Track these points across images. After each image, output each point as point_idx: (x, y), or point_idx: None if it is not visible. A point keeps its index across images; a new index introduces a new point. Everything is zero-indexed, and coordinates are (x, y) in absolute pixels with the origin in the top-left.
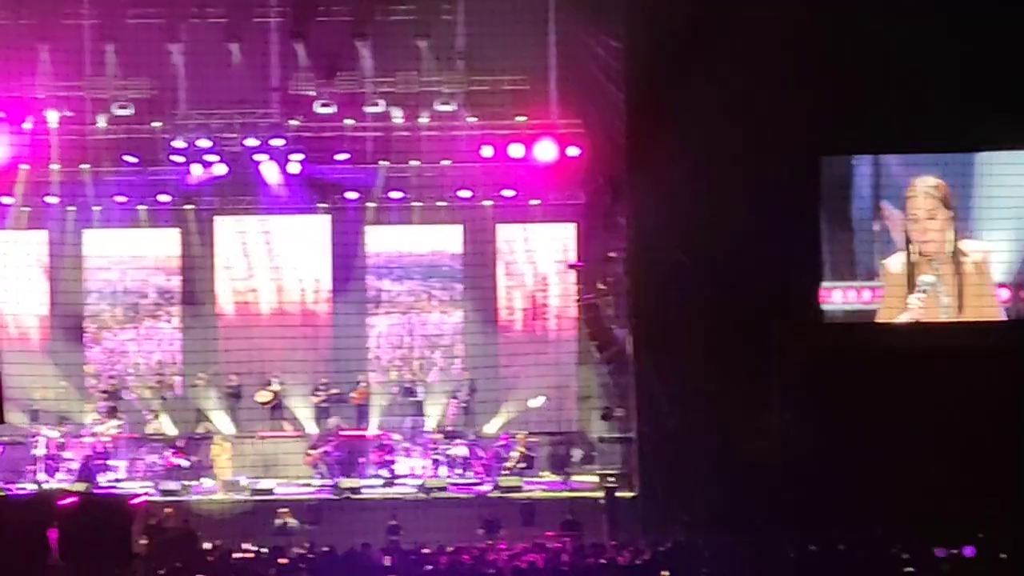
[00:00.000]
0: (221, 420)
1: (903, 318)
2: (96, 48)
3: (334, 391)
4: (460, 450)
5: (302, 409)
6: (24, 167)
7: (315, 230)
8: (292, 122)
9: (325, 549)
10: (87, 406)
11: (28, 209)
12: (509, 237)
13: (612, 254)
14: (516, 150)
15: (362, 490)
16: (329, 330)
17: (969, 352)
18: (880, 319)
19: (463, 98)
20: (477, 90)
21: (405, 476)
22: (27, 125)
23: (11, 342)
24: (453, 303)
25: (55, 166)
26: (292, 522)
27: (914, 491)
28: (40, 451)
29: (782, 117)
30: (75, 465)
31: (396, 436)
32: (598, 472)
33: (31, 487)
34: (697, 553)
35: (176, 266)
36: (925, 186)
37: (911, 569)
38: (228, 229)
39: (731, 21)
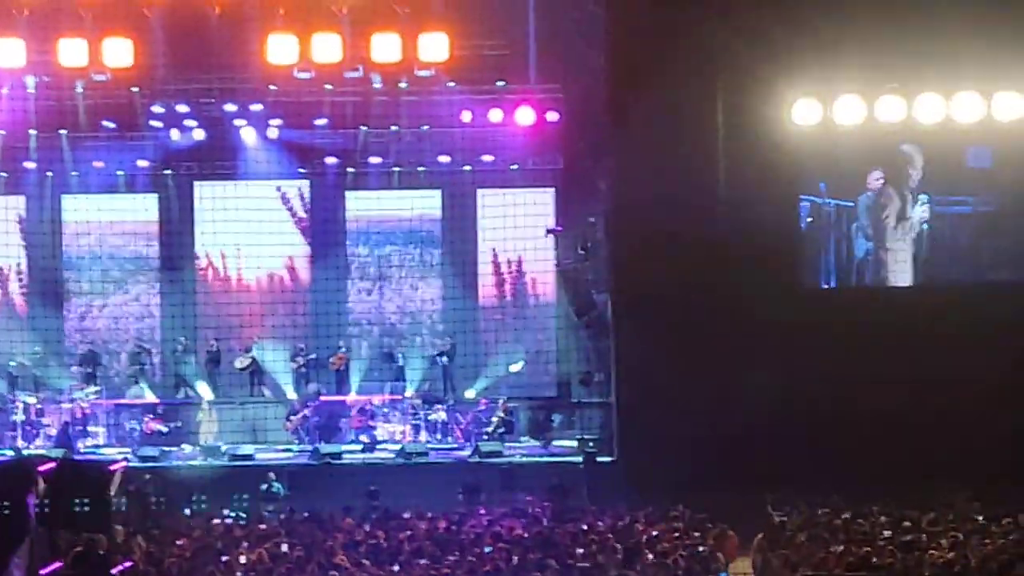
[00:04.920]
0: (200, 386)
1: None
2: (74, 13)
3: (313, 356)
4: (440, 415)
5: (281, 375)
6: (1, 132)
7: (294, 195)
8: (271, 87)
9: (305, 514)
10: (65, 372)
11: (5, 174)
12: (488, 202)
13: (591, 218)
14: (495, 115)
15: (342, 455)
16: (308, 295)
17: (951, 317)
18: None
19: (442, 63)
20: (457, 55)
21: (385, 441)
22: (4, 90)
23: None
24: (432, 268)
25: (33, 131)
26: (278, 486)
27: (893, 456)
28: (18, 417)
29: (763, 84)
30: (53, 431)
31: (376, 401)
32: (577, 437)
33: (9, 452)
34: (675, 517)
35: (155, 231)
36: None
37: (888, 532)
38: (207, 194)
39: None
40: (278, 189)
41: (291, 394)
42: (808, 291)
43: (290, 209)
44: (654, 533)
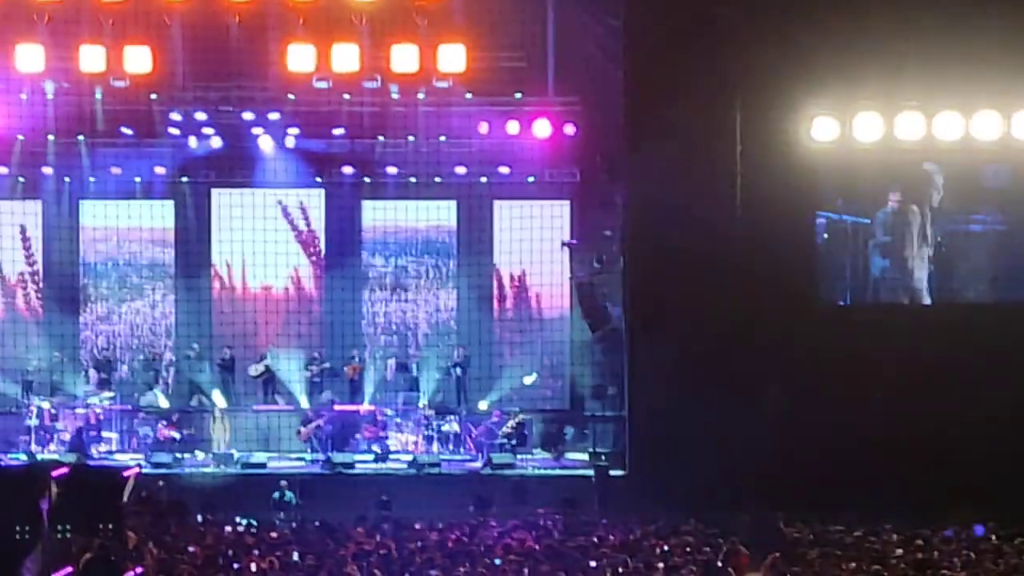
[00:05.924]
0: (214, 393)
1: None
2: (94, 20)
3: (327, 365)
4: (452, 426)
5: (295, 383)
6: (20, 137)
7: (310, 204)
8: (289, 96)
9: (316, 523)
10: (80, 377)
11: (23, 179)
12: (504, 214)
13: (607, 232)
14: (512, 127)
15: (354, 465)
16: (323, 304)
17: (966, 336)
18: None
19: (460, 75)
20: (475, 67)
21: (397, 452)
22: (24, 96)
23: (5, 312)
24: (447, 279)
25: (51, 137)
26: (289, 495)
27: (906, 474)
28: (33, 421)
29: (782, 100)
30: (67, 436)
31: (389, 411)
32: (590, 450)
33: (23, 457)
34: (686, 532)
35: (171, 238)
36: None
37: (900, 551)
38: (224, 202)
39: (729, 1)
40: (279, 203)
41: (305, 403)
42: (824, 308)
43: (291, 222)
44: (665, 547)
